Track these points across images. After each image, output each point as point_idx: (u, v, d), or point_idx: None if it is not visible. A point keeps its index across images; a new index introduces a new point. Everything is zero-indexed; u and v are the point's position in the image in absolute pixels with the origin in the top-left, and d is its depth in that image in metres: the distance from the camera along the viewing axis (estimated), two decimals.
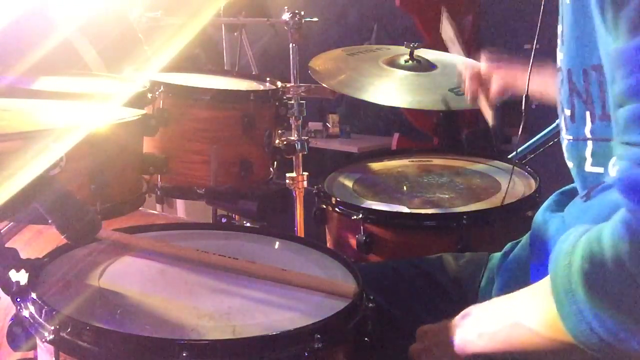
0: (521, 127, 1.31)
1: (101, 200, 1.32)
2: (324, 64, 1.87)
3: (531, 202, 1.56)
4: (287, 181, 1.92)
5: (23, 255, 1.04)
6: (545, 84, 1.48)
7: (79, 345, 0.87)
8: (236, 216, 2.19)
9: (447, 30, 1.76)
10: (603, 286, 0.73)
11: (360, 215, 1.52)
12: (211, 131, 1.67)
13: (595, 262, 0.74)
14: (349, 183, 1.76)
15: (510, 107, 1.66)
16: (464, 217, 1.48)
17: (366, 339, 0.98)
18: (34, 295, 0.95)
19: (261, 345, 0.88)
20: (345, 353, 0.97)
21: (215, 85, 1.79)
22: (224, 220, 2.25)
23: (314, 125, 4.10)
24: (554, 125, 1.96)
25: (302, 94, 1.86)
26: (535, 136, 1.98)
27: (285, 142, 1.84)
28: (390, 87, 1.76)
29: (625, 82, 0.75)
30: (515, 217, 1.49)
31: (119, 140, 1.35)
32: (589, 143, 0.91)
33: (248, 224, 1.99)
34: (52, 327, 0.89)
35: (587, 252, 0.75)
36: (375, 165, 1.92)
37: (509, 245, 1.22)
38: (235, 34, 3.24)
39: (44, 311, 0.92)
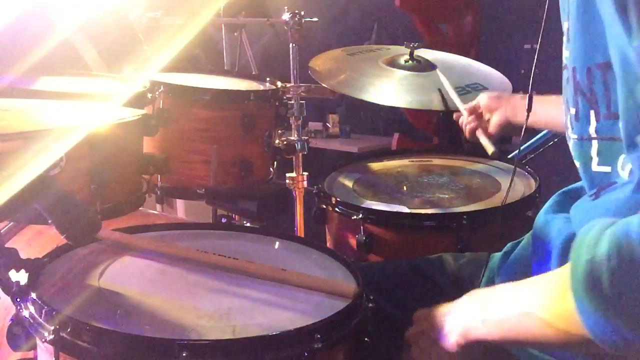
0: (524, 127, 1.31)
1: (101, 200, 1.32)
2: (324, 64, 1.87)
3: (531, 202, 1.56)
4: (287, 181, 1.92)
5: (23, 255, 1.04)
6: (547, 113, 1.49)
7: (79, 345, 0.87)
8: (236, 216, 2.19)
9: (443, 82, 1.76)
10: (632, 284, 0.70)
11: (360, 215, 1.52)
12: (211, 131, 1.67)
13: (624, 258, 0.70)
14: (349, 183, 1.76)
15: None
16: (464, 217, 1.48)
17: (366, 339, 0.98)
18: (34, 295, 0.95)
19: (261, 345, 0.88)
20: (345, 353, 0.97)
21: (215, 85, 1.79)
22: (224, 220, 2.25)
23: (314, 125, 4.10)
24: None
25: (302, 94, 1.86)
26: (535, 136, 1.98)
27: (285, 142, 1.84)
28: (390, 87, 1.76)
29: None
30: (515, 217, 1.49)
31: (119, 140, 1.35)
32: (594, 142, 0.91)
33: (248, 224, 1.99)
34: (52, 327, 0.89)
35: (614, 248, 0.71)
36: (375, 165, 1.92)
37: (509, 245, 1.22)
38: (235, 34, 3.23)
39: (43, 311, 0.92)
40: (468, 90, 1.78)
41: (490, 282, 1.18)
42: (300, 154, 1.89)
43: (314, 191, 1.70)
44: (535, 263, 1.07)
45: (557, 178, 1.22)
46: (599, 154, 0.91)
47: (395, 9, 3.63)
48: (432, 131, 3.72)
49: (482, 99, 1.65)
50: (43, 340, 0.90)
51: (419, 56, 1.87)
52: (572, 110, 0.94)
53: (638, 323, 0.72)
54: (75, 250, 1.14)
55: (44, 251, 1.12)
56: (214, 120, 1.67)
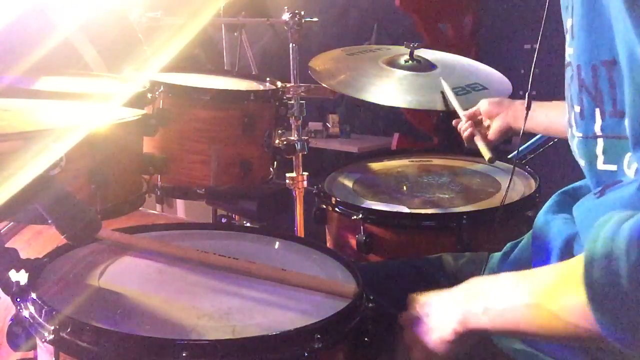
0: (523, 126, 1.31)
1: (101, 200, 1.32)
2: (324, 64, 1.87)
3: (531, 202, 1.56)
4: (287, 181, 1.93)
5: (23, 255, 1.04)
6: (549, 119, 1.49)
7: (79, 345, 0.87)
8: (236, 216, 2.19)
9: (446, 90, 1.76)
10: None
11: (360, 215, 1.52)
12: (211, 131, 1.67)
13: None
14: (349, 183, 1.76)
15: None
16: (464, 217, 1.48)
17: (366, 339, 0.98)
18: (34, 295, 0.95)
19: (261, 345, 0.88)
20: (345, 353, 0.97)
21: (215, 85, 1.79)
22: (224, 220, 2.25)
23: (314, 125, 4.10)
24: None
25: (302, 94, 1.86)
26: (535, 136, 1.98)
27: (285, 142, 1.84)
28: (390, 87, 1.76)
29: None
30: (515, 217, 1.49)
31: (119, 140, 1.35)
32: (600, 140, 0.90)
33: (248, 224, 1.99)
34: (52, 327, 0.89)
35: (634, 243, 0.69)
36: (375, 165, 1.93)
37: (509, 245, 1.22)
38: (235, 34, 3.23)
39: (44, 311, 0.92)
40: (468, 90, 1.78)
41: None
42: (300, 154, 1.89)
43: (314, 191, 1.70)
44: (534, 263, 1.07)
45: (557, 178, 1.22)
46: (604, 152, 0.90)
47: (395, 9, 3.63)
48: (432, 131, 3.71)
49: (482, 105, 1.66)
50: (43, 340, 0.90)
51: (419, 56, 1.87)
52: (577, 108, 0.93)
53: None
54: (75, 250, 1.14)
55: (44, 251, 1.12)
56: (214, 120, 1.67)
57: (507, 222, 1.48)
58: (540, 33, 1.18)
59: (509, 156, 1.98)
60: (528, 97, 1.22)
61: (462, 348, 0.95)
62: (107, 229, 1.19)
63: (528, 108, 1.24)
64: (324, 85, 1.79)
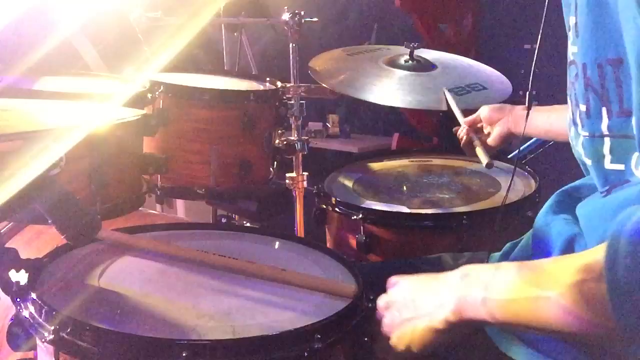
0: (524, 126, 1.31)
1: (101, 200, 1.32)
2: (324, 64, 1.87)
3: (531, 202, 1.56)
4: (287, 181, 1.92)
5: (23, 255, 1.04)
6: (549, 123, 1.48)
7: (79, 345, 0.87)
8: (236, 216, 2.19)
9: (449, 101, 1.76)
10: None
11: (360, 215, 1.52)
12: (211, 131, 1.67)
13: None
14: (349, 183, 1.76)
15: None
16: (464, 217, 1.48)
17: (366, 339, 0.98)
18: (34, 295, 0.95)
19: (261, 345, 0.88)
20: (345, 353, 0.97)
21: (215, 85, 1.79)
22: (224, 220, 2.25)
23: (314, 125, 4.10)
24: None
25: (302, 94, 1.86)
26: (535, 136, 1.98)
27: (285, 142, 1.84)
28: (390, 87, 1.76)
29: None
30: (515, 217, 1.49)
31: (119, 140, 1.35)
32: (607, 139, 0.89)
33: (248, 224, 1.99)
34: (52, 327, 0.89)
35: None
36: (375, 165, 1.93)
37: (508, 245, 1.22)
38: (235, 34, 3.23)
39: (43, 311, 0.92)
40: (468, 90, 1.78)
41: None
42: (300, 154, 1.88)
43: (314, 191, 1.70)
44: None
45: (557, 178, 1.22)
46: (611, 151, 0.89)
47: (395, 9, 3.62)
48: (432, 131, 3.72)
49: (482, 112, 1.66)
50: (43, 340, 0.90)
51: (419, 56, 1.87)
52: (583, 107, 0.92)
53: None
54: (75, 250, 1.15)
55: (44, 251, 1.12)
56: (214, 120, 1.67)
57: (507, 222, 1.48)
58: (540, 33, 1.18)
59: (510, 156, 1.98)
60: (529, 95, 1.22)
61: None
62: (107, 229, 1.19)
63: (529, 107, 1.24)
64: (324, 85, 1.79)
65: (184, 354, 0.84)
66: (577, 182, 1.10)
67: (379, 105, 1.77)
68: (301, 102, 1.86)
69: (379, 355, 0.99)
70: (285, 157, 1.86)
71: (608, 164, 0.90)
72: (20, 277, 1.01)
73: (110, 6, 2.14)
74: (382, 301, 0.97)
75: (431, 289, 0.91)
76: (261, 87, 1.88)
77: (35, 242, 1.51)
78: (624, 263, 0.69)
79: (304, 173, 1.93)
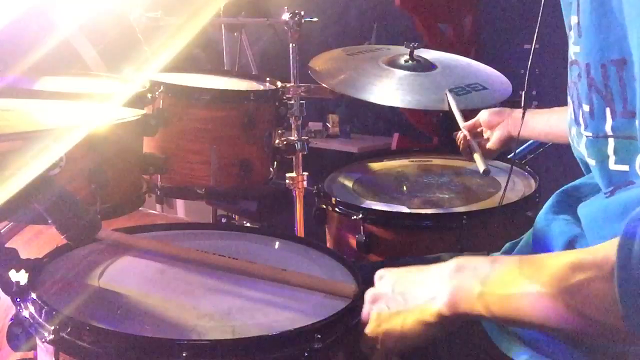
0: (520, 125, 1.31)
1: (101, 200, 1.32)
2: (324, 64, 1.87)
3: (531, 202, 1.56)
4: (287, 181, 1.92)
5: (23, 255, 1.04)
6: (549, 125, 1.48)
7: (79, 345, 0.87)
8: (236, 216, 2.19)
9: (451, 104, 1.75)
10: None
11: (360, 215, 1.52)
12: (211, 131, 1.67)
13: None
14: (349, 183, 1.76)
15: (511, 107, 1.67)
16: (464, 217, 1.48)
17: None
18: (34, 295, 0.95)
19: (261, 345, 0.88)
20: (345, 353, 0.97)
21: (215, 85, 1.79)
22: (224, 220, 2.25)
23: (314, 125, 4.10)
24: None
25: (302, 94, 1.86)
26: None
27: (285, 142, 1.84)
28: (390, 87, 1.76)
29: None
30: (515, 217, 1.49)
31: (119, 140, 1.35)
32: (611, 140, 0.88)
33: (248, 224, 1.99)
34: (52, 327, 0.89)
35: None
36: (375, 165, 1.93)
37: (508, 245, 1.22)
38: (235, 34, 3.24)
39: (43, 311, 0.92)
40: (468, 90, 1.78)
41: None
42: (300, 154, 1.89)
43: (314, 191, 1.70)
44: None
45: (557, 178, 1.22)
46: (615, 152, 0.88)
47: (395, 9, 3.62)
48: (432, 131, 3.72)
49: (482, 116, 1.66)
50: (43, 340, 0.90)
51: (419, 56, 1.87)
52: (586, 108, 0.91)
53: None
54: (75, 250, 1.14)
55: (44, 251, 1.12)
56: (214, 120, 1.67)
57: (507, 222, 1.48)
58: (536, 33, 1.17)
59: (509, 156, 1.98)
60: (524, 95, 1.22)
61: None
62: (107, 229, 1.19)
63: (525, 107, 1.24)
64: (324, 85, 1.79)
65: (184, 354, 0.84)
66: (577, 182, 1.10)
67: (379, 105, 1.77)
68: (301, 102, 1.86)
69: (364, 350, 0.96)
70: (285, 157, 1.86)
71: (612, 165, 0.90)
72: (20, 277, 1.01)
73: (110, 6, 2.13)
74: (368, 295, 0.95)
75: (421, 281, 0.89)
76: (261, 87, 1.88)
77: (35, 242, 1.51)
78: (638, 263, 0.68)
79: (304, 173, 1.93)
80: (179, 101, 1.65)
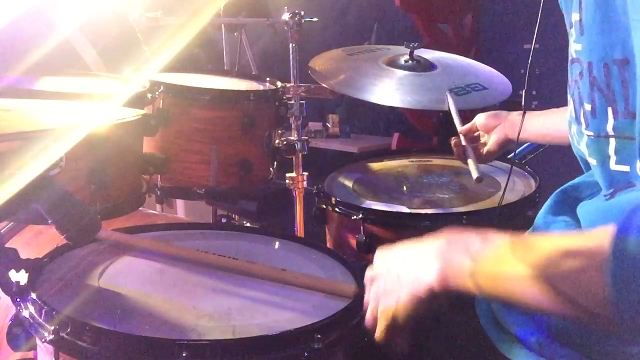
0: (520, 125, 1.31)
1: (101, 200, 1.32)
2: (324, 64, 1.87)
3: (531, 202, 1.56)
4: (287, 181, 1.92)
5: (23, 255, 1.04)
6: (546, 127, 1.48)
7: (79, 345, 0.87)
8: (236, 216, 2.19)
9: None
10: None
11: (360, 215, 1.52)
12: (211, 131, 1.67)
13: None
14: (349, 183, 1.76)
15: (511, 107, 1.67)
16: (464, 217, 1.48)
17: (366, 339, 0.98)
18: (34, 295, 0.95)
19: (261, 345, 0.88)
20: (345, 353, 0.97)
21: (215, 85, 1.79)
22: (224, 220, 2.25)
23: (314, 125, 4.10)
24: None
25: (302, 94, 1.86)
26: None
27: (285, 142, 1.84)
28: (390, 87, 1.76)
29: None
30: (515, 217, 1.49)
31: (119, 140, 1.35)
32: (612, 140, 0.88)
33: (248, 224, 1.99)
34: (52, 327, 0.89)
35: None
36: (375, 165, 1.93)
37: None
38: (235, 34, 3.24)
39: (43, 311, 0.92)
40: (468, 90, 1.78)
41: None
42: (300, 154, 1.88)
43: (314, 191, 1.70)
44: None
45: (557, 178, 1.22)
46: (617, 152, 0.88)
47: (395, 9, 3.63)
48: (432, 131, 3.72)
49: (478, 120, 1.65)
50: (43, 340, 0.90)
51: (419, 56, 1.86)
52: (588, 106, 0.91)
53: None
54: (75, 250, 1.15)
55: (44, 251, 1.12)
56: (214, 120, 1.67)
57: (507, 222, 1.48)
58: (535, 33, 1.17)
59: (509, 156, 1.98)
60: (525, 93, 1.22)
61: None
62: (107, 229, 1.19)
63: (525, 106, 1.24)
64: (324, 85, 1.79)
65: (184, 354, 0.84)
66: (575, 181, 1.09)
67: (379, 105, 1.77)
68: (301, 102, 1.86)
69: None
70: (285, 157, 1.86)
71: (613, 165, 0.89)
72: (20, 277, 1.01)
73: (110, 6, 2.13)
74: (367, 276, 0.96)
75: (414, 259, 0.89)
76: (261, 87, 1.88)
77: (35, 242, 1.51)
78: (633, 257, 0.68)
79: (304, 173, 1.93)
80: (179, 101, 1.65)
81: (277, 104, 1.79)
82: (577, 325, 0.92)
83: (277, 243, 1.30)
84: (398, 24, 3.98)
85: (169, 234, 1.29)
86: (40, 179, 0.94)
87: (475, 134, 1.66)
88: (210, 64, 3.64)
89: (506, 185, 1.35)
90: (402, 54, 1.87)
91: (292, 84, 1.87)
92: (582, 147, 0.96)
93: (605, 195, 0.92)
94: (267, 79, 1.92)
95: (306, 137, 1.89)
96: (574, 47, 0.95)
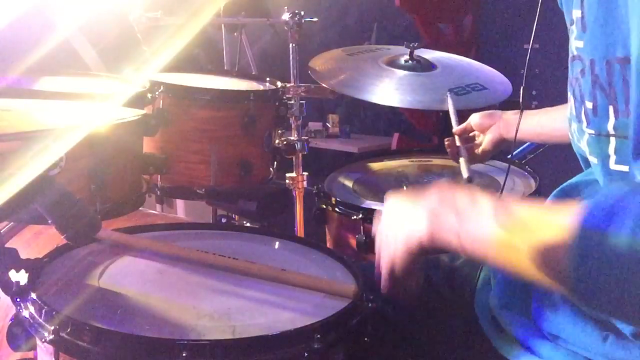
0: (518, 124, 1.31)
1: (101, 200, 1.32)
2: (324, 64, 1.87)
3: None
4: (287, 181, 1.92)
5: (23, 255, 1.04)
6: (540, 126, 1.48)
7: (79, 345, 0.87)
8: (236, 216, 2.19)
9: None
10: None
11: (360, 215, 1.52)
12: (211, 131, 1.67)
13: None
14: (349, 183, 1.76)
15: (511, 107, 1.67)
16: None
17: (366, 339, 0.98)
18: (33, 295, 0.95)
19: (261, 345, 0.88)
20: (345, 353, 0.97)
21: (215, 85, 1.79)
22: (224, 220, 2.25)
23: (314, 125, 4.10)
24: None
25: (302, 94, 1.86)
26: None
27: (285, 142, 1.84)
28: (390, 87, 1.76)
29: None
30: None
31: (119, 140, 1.35)
32: (612, 139, 0.87)
33: (248, 224, 1.98)
34: (52, 327, 0.89)
35: None
36: (375, 165, 1.93)
37: None
38: (235, 34, 3.24)
39: (43, 311, 0.92)
40: (468, 90, 1.78)
41: (487, 282, 1.18)
42: (300, 154, 1.89)
43: (314, 191, 1.70)
44: None
45: (557, 178, 1.22)
46: (616, 152, 0.88)
47: (395, 9, 3.63)
48: (432, 131, 3.72)
49: (473, 119, 1.65)
50: (43, 340, 0.90)
51: (419, 56, 1.87)
52: (589, 105, 0.90)
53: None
54: (75, 250, 1.14)
55: (44, 251, 1.12)
56: (214, 120, 1.67)
57: None
58: (533, 32, 1.17)
59: (508, 156, 1.98)
60: (523, 90, 1.22)
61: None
62: (107, 229, 1.19)
63: (522, 106, 1.24)
64: (324, 85, 1.79)
65: (184, 354, 0.84)
66: (574, 179, 1.09)
67: (379, 105, 1.77)
68: (301, 102, 1.86)
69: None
70: (285, 157, 1.86)
71: (613, 165, 0.89)
72: (20, 277, 1.01)
73: (110, 6, 2.13)
74: (377, 229, 0.99)
75: (409, 213, 0.91)
76: (261, 87, 1.88)
77: (35, 242, 1.51)
78: (596, 239, 0.69)
79: (304, 173, 1.93)
80: (179, 101, 1.65)
81: (277, 104, 1.79)
82: (576, 327, 0.93)
83: (277, 243, 1.30)
84: (398, 24, 3.98)
85: (168, 234, 1.29)
86: (40, 179, 0.94)
87: (471, 134, 1.66)
88: (210, 64, 3.65)
89: (504, 185, 1.35)
90: (402, 54, 1.87)
91: (292, 84, 1.87)
92: (582, 145, 0.96)
93: None
94: (267, 79, 1.92)
95: (306, 137, 1.89)
96: (575, 45, 0.94)
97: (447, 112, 1.69)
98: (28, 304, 0.96)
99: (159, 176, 1.65)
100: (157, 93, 1.60)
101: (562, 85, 1.04)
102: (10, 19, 1.75)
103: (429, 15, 3.62)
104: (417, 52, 1.86)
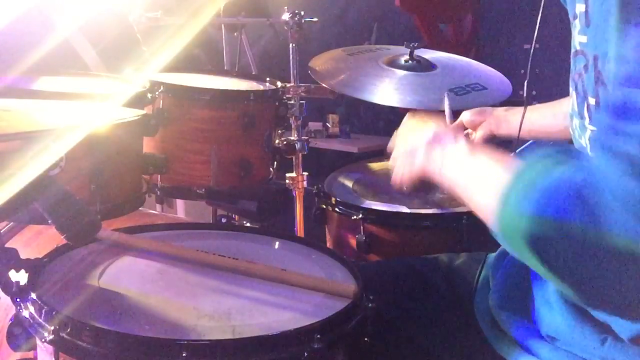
0: (520, 124, 1.31)
1: (101, 200, 1.32)
2: (324, 64, 1.87)
3: None
4: (287, 181, 1.92)
5: (23, 255, 1.04)
6: (530, 122, 1.48)
7: (79, 345, 0.87)
8: (236, 216, 2.19)
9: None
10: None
11: (360, 215, 1.52)
12: (211, 131, 1.67)
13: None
14: (349, 183, 1.76)
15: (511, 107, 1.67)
16: (464, 217, 1.48)
17: (366, 339, 0.98)
18: (33, 295, 0.95)
19: (261, 345, 0.88)
20: (345, 353, 0.97)
21: (215, 85, 1.79)
22: (224, 220, 2.25)
23: (314, 125, 4.10)
24: None
25: (302, 94, 1.86)
26: None
27: (285, 142, 1.84)
28: (390, 87, 1.76)
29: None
30: None
31: (119, 140, 1.35)
32: None
33: (248, 224, 1.98)
34: (52, 327, 0.89)
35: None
36: (375, 165, 1.93)
37: None
38: (235, 34, 3.24)
39: (43, 311, 0.92)
40: (468, 90, 1.78)
41: (486, 282, 1.18)
42: (300, 154, 1.88)
43: (314, 191, 1.70)
44: None
45: None
46: None
47: (395, 9, 3.63)
48: None
49: (464, 117, 1.65)
50: (43, 340, 0.90)
51: (419, 56, 1.86)
52: (592, 100, 0.89)
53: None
54: (75, 250, 1.14)
55: (44, 251, 1.12)
56: (214, 120, 1.66)
57: None
58: (536, 32, 1.17)
59: (512, 154, 1.97)
60: (527, 87, 1.22)
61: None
62: (107, 229, 1.19)
63: (525, 107, 1.24)
64: (324, 85, 1.79)
65: (184, 354, 0.84)
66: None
67: (379, 105, 1.77)
68: (301, 102, 1.86)
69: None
70: (285, 157, 1.86)
71: None
72: (20, 277, 1.01)
73: (110, 6, 2.13)
74: (390, 146, 1.29)
75: (413, 145, 1.12)
76: (261, 87, 1.88)
77: (35, 242, 1.51)
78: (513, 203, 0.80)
79: (304, 173, 1.93)
80: (179, 101, 1.65)
81: (277, 104, 1.79)
82: (574, 330, 0.93)
83: (277, 243, 1.30)
84: (398, 24, 3.98)
85: (169, 234, 1.29)
86: (40, 179, 0.94)
87: (465, 132, 1.66)
88: (210, 64, 3.65)
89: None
90: (402, 54, 1.87)
91: (292, 84, 1.87)
92: (583, 141, 0.96)
93: None
94: (267, 79, 1.92)
95: (306, 137, 1.89)
96: (578, 39, 0.93)
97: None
98: (28, 304, 0.96)
99: (158, 176, 1.65)
100: (157, 93, 1.60)
101: (562, 85, 1.03)
102: (10, 18, 1.75)
103: (429, 15, 3.62)
104: (417, 52, 1.86)
